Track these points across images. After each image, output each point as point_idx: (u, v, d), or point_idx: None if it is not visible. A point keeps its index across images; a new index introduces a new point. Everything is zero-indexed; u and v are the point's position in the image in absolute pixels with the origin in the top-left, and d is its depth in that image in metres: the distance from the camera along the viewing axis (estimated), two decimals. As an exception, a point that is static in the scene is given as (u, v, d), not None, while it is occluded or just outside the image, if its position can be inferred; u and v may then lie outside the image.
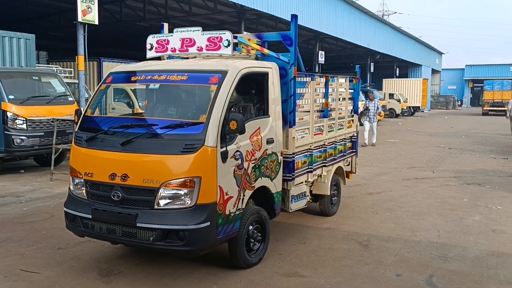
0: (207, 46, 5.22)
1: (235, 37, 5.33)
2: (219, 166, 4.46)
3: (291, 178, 5.76)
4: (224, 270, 5.05)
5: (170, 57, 5.85)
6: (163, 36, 5.52)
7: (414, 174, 11.37)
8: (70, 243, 5.82)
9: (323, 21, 24.16)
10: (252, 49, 5.61)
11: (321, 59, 26.56)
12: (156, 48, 5.56)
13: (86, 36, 12.94)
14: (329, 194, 7.02)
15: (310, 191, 7.05)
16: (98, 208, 4.59)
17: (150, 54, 5.63)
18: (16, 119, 9.93)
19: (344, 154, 7.55)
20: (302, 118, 6.17)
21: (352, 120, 7.98)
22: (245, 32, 6.12)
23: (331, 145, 7.00)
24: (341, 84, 7.32)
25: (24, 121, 9.99)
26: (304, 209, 7.42)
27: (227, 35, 5.11)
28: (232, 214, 4.68)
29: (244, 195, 4.86)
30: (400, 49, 38.65)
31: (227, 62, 4.95)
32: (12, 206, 7.79)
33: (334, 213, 7.40)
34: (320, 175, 6.90)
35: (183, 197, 4.35)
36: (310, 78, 6.24)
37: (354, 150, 8.01)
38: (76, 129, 5.10)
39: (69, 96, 11.20)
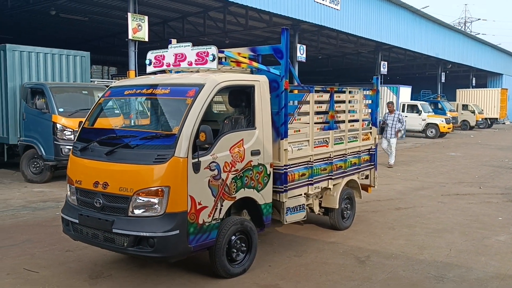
0: (196, 60, 5.42)
1: (222, 51, 5.48)
2: (190, 176, 4.60)
3: (283, 190, 5.76)
4: (206, 279, 5.16)
5: (177, 71, 6.09)
6: (160, 52, 5.81)
7: (457, 189, 10.76)
8: (79, 246, 6.20)
9: (383, 31, 23.60)
10: (242, 63, 5.72)
11: (384, 69, 25.90)
12: (154, 63, 5.86)
13: (136, 52, 13.71)
14: (337, 207, 6.90)
15: (320, 204, 7.00)
16: (83, 214, 4.92)
17: (149, 69, 5.93)
18: (65, 130, 10.75)
19: (359, 167, 7.39)
20: (299, 130, 6.16)
21: (370, 133, 7.78)
22: (243, 48, 6.22)
23: (340, 158, 6.89)
24: (353, 96, 7.20)
25: (72, 132, 10.77)
26: (317, 222, 7.40)
27: (212, 49, 5.28)
28: (207, 224, 4.79)
29: (222, 206, 4.96)
30: (475, 58, 36.62)
31: (207, 76, 5.11)
32: (48, 210, 8.45)
33: (347, 227, 7.24)
34: (329, 188, 6.83)
35: (153, 206, 4.55)
36: (309, 90, 6.22)
37: (373, 163, 7.80)
38: (75, 140, 5.50)
39: (116, 109, 11.89)
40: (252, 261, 5.43)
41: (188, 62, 5.49)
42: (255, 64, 5.72)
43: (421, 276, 5.37)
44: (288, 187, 5.84)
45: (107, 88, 5.65)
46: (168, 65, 5.71)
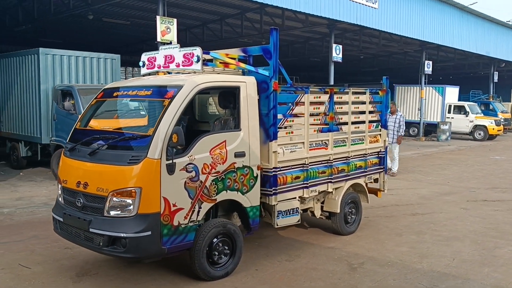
0: (183, 62, 5.43)
1: (207, 53, 5.45)
2: (164, 178, 4.61)
3: (272, 193, 5.65)
4: (187, 280, 5.15)
5: (178, 72, 6.09)
6: (152, 54, 5.86)
7: (487, 195, 10.18)
8: (78, 244, 6.39)
9: (426, 29, 22.68)
10: (229, 64, 5.66)
11: (428, 69, 24.92)
12: (147, 65, 5.92)
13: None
14: (339, 211, 6.70)
15: (322, 208, 6.84)
16: (66, 213, 5.05)
17: (142, 71, 6.01)
18: (90, 130, 11.10)
19: (365, 170, 7.13)
20: (293, 132, 6.03)
21: (380, 135, 7.49)
22: (235, 49, 6.17)
23: (342, 161, 6.68)
24: (357, 97, 6.96)
25: (97, 133, 11.11)
26: (323, 226, 7.21)
27: (197, 51, 5.27)
28: (182, 226, 4.78)
29: (200, 208, 4.93)
30: (533, 56, 34.45)
31: (187, 77, 5.10)
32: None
33: (351, 232, 7.02)
34: (330, 192, 6.66)
35: (127, 206, 4.59)
36: (304, 91, 6.07)
37: (382, 167, 7.51)
38: (67, 140, 5.65)
39: (142, 110, 12.16)
40: (236, 264, 5.37)
41: (176, 63, 5.51)
42: (242, 65, 5.65)
43: (411, 286, 5.11)
44: (278, 190, 5.72)
45: (101, 90, 5.77)
46: (159, 66, 5.75)
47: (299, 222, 6.15)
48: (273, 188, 5.66)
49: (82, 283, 5.12)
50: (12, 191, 10.09)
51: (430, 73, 25.41)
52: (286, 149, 5.88)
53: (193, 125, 6.36)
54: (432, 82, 28.00)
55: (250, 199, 5.45)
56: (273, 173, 5.65)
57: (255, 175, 5.47)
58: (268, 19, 21.50)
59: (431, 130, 25.97)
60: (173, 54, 5.56)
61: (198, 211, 4.92)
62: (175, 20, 13.91)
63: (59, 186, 5.37)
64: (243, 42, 24.93)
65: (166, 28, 13.66)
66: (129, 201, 4.56)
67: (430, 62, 25.28)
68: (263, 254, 6.12)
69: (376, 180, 7.59)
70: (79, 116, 5.74)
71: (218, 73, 5.89)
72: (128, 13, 20.11)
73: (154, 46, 27.13)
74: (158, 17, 13.59)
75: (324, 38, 25.75)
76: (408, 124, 23.30)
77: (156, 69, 5.83)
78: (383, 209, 8.73)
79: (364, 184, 7.23)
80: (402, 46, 26.75)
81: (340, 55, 19.49)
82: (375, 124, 7.42)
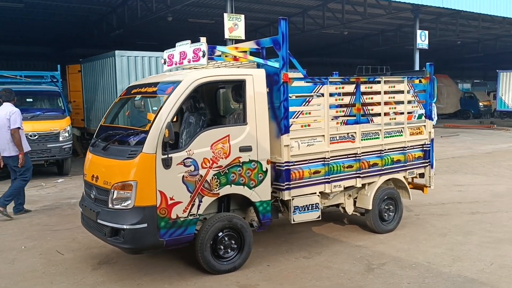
0: (193, 57, 5.50)
1: (214, 47, 5.44)
2: (159, 172, 4.71)
3: (284, 188, 5.51)
4: (195, 273, 5.21)
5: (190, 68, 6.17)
6: (171, 51, 6.01)
7: None
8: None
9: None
10: (239, 58, 5.59)
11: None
12: (167, 62, 6.09)
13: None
14: (370, 208, 6.33)
15: (355, 204, 6.54)
16: (84, 204, 5.40)
17: (164, 68, 6.19)
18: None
19: (404, 165, 6.64)
20: (309, 125, 5.80)
21: (424, 126, 6.91)
22: (249, 42, 6.08)
23: (374, 154, 6.29)
24: (392, 86, 6.48)
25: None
26: (361, 224, 6.87)
27: (203, 46, 5.30)
28: (182, 219, 4.86)
29: (201, 201, 4.96)
30: None
31: (188, 72, 5.15)
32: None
33: (388, 230, 6.59)
34: (363, 187, 6.34)
35: (125, 199, 4.77)
36: (322, 82, 5.81)
37: (427, 161, 6.92)
38: (94, 136, 6.01)
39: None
40: (244, 259, 5.32)
41: (188, 59, 5.59)
42: (250, 57, 5.57)
43: (424, 291, 4.67)
44: (292, 185, 5.56)
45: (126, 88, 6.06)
46: (176, 63, 5.88)
47: (320, 219, 5.91)
48: (286, 183, 5.52)
49: (99, 270, 5.44)
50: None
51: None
52: (302, 143, 5.68)
53: (217, 120, 6.40)
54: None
55: (259, 194, 5.36)
56: (286, 167, 5.49)
57: (264, 169, 5.37)
58: (349, 8, 20.87)
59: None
60: (185, 50, 5.64)
61: (199, 205, 4.96)
62: (242, 16, 14.08)
63: (83, 179, 5.76)
64: (326, 33, 24.50)
65: (234, 25, 13.87)
66: (128, 194, 4.74)
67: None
68: (284, 250, 5.99)
69: (422, 175, 7.03)
70: (105, 113, 6.08)
71: (231, 67, 5.86)
72: (211, 12, 20.75)
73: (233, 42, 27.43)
74: (225, 15, 13.85)
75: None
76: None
77: (174, 65, 5.97)
78: (440, 206, 8.06)
79: (404, 180, 6.73)
80: (505, 27, 24.32)
81: (426, 42, 18.32)
82: (417, 114, 6.86)
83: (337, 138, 5.98)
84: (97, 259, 5.79)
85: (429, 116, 6.91)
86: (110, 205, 4.89)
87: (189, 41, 5.63)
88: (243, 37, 14.22)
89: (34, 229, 7.19)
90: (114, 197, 4.85)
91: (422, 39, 18.09)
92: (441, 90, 27.96)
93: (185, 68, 5.81)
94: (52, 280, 5.15)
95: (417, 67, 18.50)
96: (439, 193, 9.03)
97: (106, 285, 5.00)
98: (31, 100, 12.04)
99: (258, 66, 5.74)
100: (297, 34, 23.77)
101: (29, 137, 11.26)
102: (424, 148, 6.89)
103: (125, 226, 4.69)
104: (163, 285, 4.96)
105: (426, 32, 18.40)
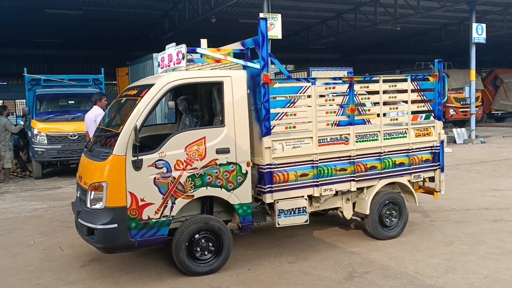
0: (177, 60, 5.55)
1: (194, 49, 5.44)
2: (129, 173, 4.80)
3: (266, 191, 5.40)
4: (174, 273, 5.26)
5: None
6: (162, 54, 6.09)
7: None
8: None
9: None
10: (219, 60, 5.54)
11: None
12: (160, 65, 6.18)
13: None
14: (368, 213, 6.05)
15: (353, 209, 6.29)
16: (73, 204, 5.63)
17: (159, 70, 6.29)
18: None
19: (408, 168, 6.27)
20: (295, 127, 5.62)
21: (433, 127, 6.47)
22: (236, 43, 6.00)
23: (371, 157, 6.00)
24: (394, 85, 6.14)
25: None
26: (364, 229, 6.58)
27: (182, 48, 5.33)
28: (153, 220, 4.91)
29: (174, 203, 4.99)
30: None
31: (164, 75, 5.19)
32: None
33: (391, 237, 6.25)
34: (361, 191, 6.09)
35: (98, 200, 4.91)
36: (310, 83, 5.62)
37: (437, 164, 6.48)
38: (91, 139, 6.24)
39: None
40: (223, 262, 5.28)
41: (173, 62, 5.65)
42: (230, 59, 5.51)
43: (396, 304, 4.38)
44: (275, 188, 5.44)
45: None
46: (166, 66, 5.95)
47: (307, 223, 5.73)
48: (268, 186, 5.41)
49: (87, 267, 5.64)
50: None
51: None
52: (287, 145, 5.54)
53: (213, 121, 6.39)
54: None
55: (239, 196, 5.29)
56: (267, 169, 5.39)
57: (243, 171, 5.30)
58: (402, 2, 20.04)
59: None
60: (171, 53, 5.70)
61: (172, 207, 4.99)
62: (279, 15, 13.98)
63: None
64: (381, 29, 23.68)
65: (270, 24, 13.78)
66: (100, 195, 4.88)
67: None
68: (273, 253, 5.88)
69: (431, 179, 6.60)
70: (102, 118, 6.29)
71: (212, 69, 5.84)
72: (257, 12, 20.80)
73: (293, 41, 27.29)
74: (261, 15, 13.82)
75: (483, 16, 22.49)
76: None
77: (165, 68, 6.05)
78: (463, 212, 7.53)
79: (408, 184, 6.35)
80: None
81: (484, 35, 17.14)
82: (424, 115, 6.44)
83: (328, 140, 5.77)
84: (91, 256, 6.00)
85: (438, 117, 6.46)
86: (88, 205, 5.04)
87: (173, 44, 5.68)
88: (279, 36, 14.12)
89: (51, 225, 7.60)
90: (91, 197, 4.99)
91: (478, 33, 16.95)
92: (510, 86, 26.08)
93: (168, 70, 5.86)
94: (39, 276, 5.41)
95: (473, 63, 17.38)
96: (469, 198, 8.46)
97: (86, 282, 5.18)
98: (73, 102, 12.71)
99: (244, 67, 5.67)
100: (350, 31, 23.22)
101: (70, 137, 11.97)
102: (433, 151, 6.46)
103: (97, 226, 4.83)
104: (137, 285, 5.05)
105: (483, 25, 17.21)
